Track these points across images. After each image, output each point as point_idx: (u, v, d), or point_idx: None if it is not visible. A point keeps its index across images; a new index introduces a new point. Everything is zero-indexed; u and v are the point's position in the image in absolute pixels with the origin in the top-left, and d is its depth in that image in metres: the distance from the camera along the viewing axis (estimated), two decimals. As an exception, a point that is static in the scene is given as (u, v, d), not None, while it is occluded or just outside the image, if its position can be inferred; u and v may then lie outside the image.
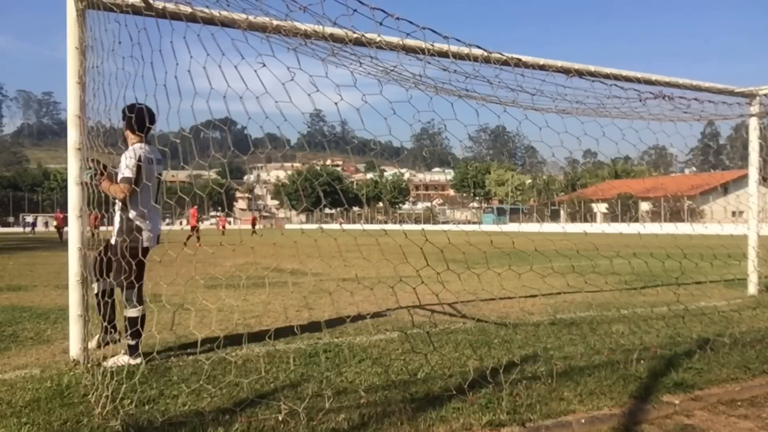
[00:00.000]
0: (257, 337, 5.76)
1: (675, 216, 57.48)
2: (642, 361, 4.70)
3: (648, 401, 3.89)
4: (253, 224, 33.54)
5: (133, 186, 4.79)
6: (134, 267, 4.56)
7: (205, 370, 4.44)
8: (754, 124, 8.49)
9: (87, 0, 4.52)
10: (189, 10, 4.39)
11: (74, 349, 4.67)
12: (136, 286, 4.70)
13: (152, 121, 5.04)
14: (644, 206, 63.34)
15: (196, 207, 27.25)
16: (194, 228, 26.00)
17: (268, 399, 3.78)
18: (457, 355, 5.02)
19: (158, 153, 5.14)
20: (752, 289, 8.58)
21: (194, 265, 14.57)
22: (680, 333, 5.86)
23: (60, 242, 28.37)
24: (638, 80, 6.88)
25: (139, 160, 4.82)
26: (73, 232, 4.67)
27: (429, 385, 4.11)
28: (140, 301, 4.76)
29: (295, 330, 5.70)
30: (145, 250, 4.86)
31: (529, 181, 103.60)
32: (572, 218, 68.02)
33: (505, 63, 5.65)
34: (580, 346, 5.32)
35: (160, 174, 5.17)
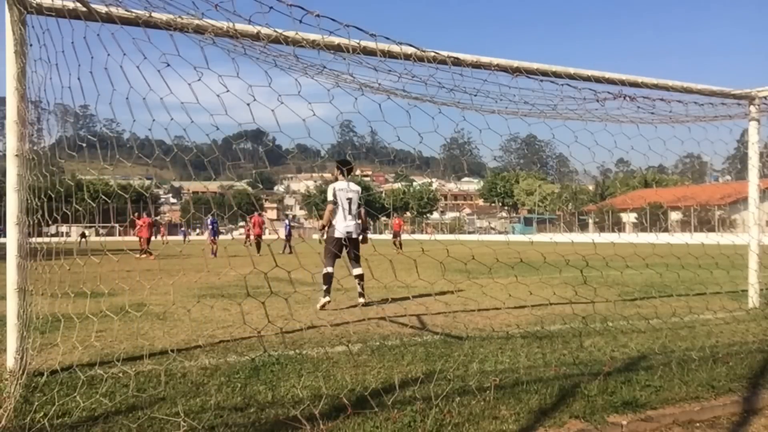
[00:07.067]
0: (217, 348, 5.63)
1: (705, 225, 55.96)
2: (598, 377, 4.39)
3: (591, 421, 3.62)
4: (83, 236, 32.32)
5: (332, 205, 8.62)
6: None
7: (103, 383, 4.30)
8: (753, 127, 8.09)
9: (24, 4, 4.44)
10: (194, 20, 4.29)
11: (10, 359, 4.57)
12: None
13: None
14: (674, 216, 61.86)
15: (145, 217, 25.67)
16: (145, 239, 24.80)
17: (167, 416, 3.59)
18: (399, 368, 4.79)
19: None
20: (754, 301, 8.15)
21: (201, 274, 14.58)
22: (653, 347, 5.50)
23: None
24: (623, 82, 6.58)
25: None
26: (11, 240, 4.59)
27: (359, 400, 3.88)
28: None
29: (260, 342, 5.54)
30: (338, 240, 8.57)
31: (558, 190, 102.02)
32: (600, 228, 66.62)
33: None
34: (538, 360, 5.04)
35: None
